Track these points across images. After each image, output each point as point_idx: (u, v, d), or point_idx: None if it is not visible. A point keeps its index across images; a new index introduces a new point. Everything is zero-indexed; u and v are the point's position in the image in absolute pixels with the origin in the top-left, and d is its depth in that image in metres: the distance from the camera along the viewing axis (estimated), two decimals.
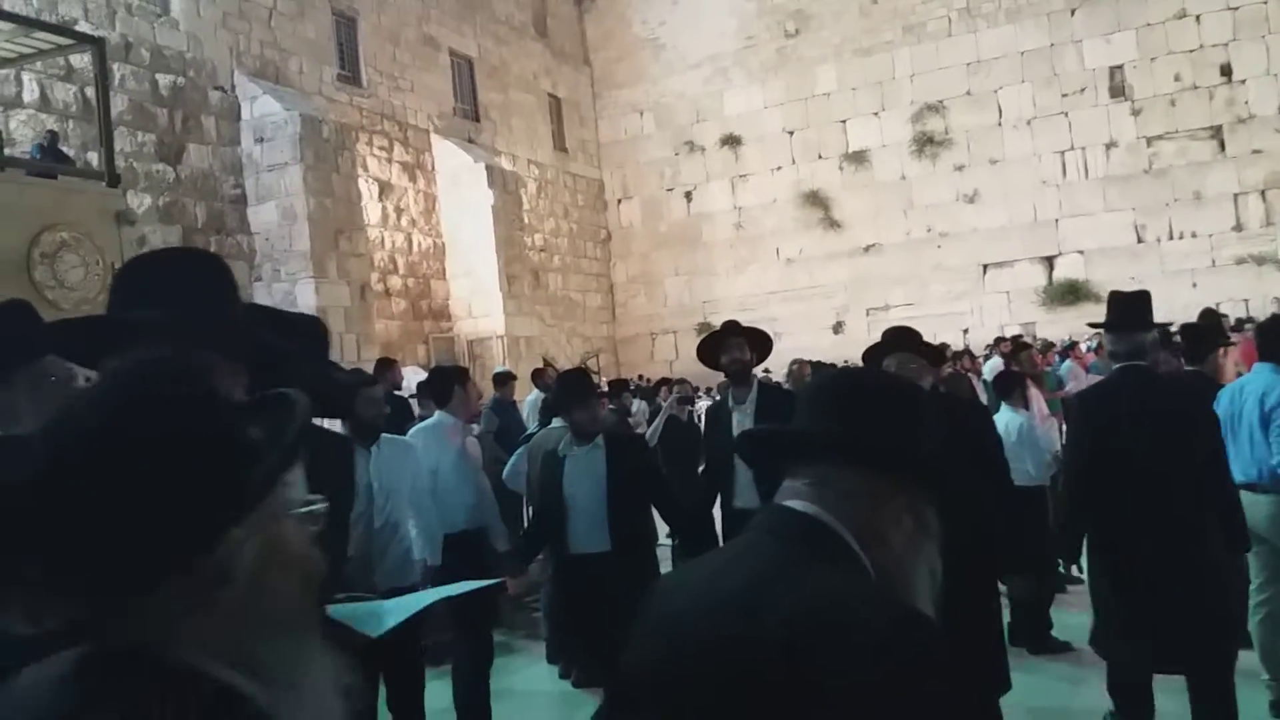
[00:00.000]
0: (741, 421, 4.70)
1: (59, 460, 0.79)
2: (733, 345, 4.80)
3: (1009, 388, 5.87)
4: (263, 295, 12.91)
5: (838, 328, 19.10)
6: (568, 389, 4.81)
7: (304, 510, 0.95)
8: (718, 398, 9.61)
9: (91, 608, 0.79)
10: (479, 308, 16.13)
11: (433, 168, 16.49)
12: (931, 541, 1.23)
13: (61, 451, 0.80)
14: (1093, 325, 4.97)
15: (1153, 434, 3.49)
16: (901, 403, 1.29)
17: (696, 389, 11.67)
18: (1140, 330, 3.82)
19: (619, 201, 21.76)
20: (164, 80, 12.26)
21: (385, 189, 15.41)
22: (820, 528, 1.17)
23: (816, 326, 19.07)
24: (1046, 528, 5.19)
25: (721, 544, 4.70)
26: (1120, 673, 3.68)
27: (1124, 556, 3.52)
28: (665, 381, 11.23)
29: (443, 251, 16.39)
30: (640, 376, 17.32)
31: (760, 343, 4.90)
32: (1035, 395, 6.43)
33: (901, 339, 3.93)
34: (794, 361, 8.58)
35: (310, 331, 3.49)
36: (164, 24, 12.40)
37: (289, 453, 0.88)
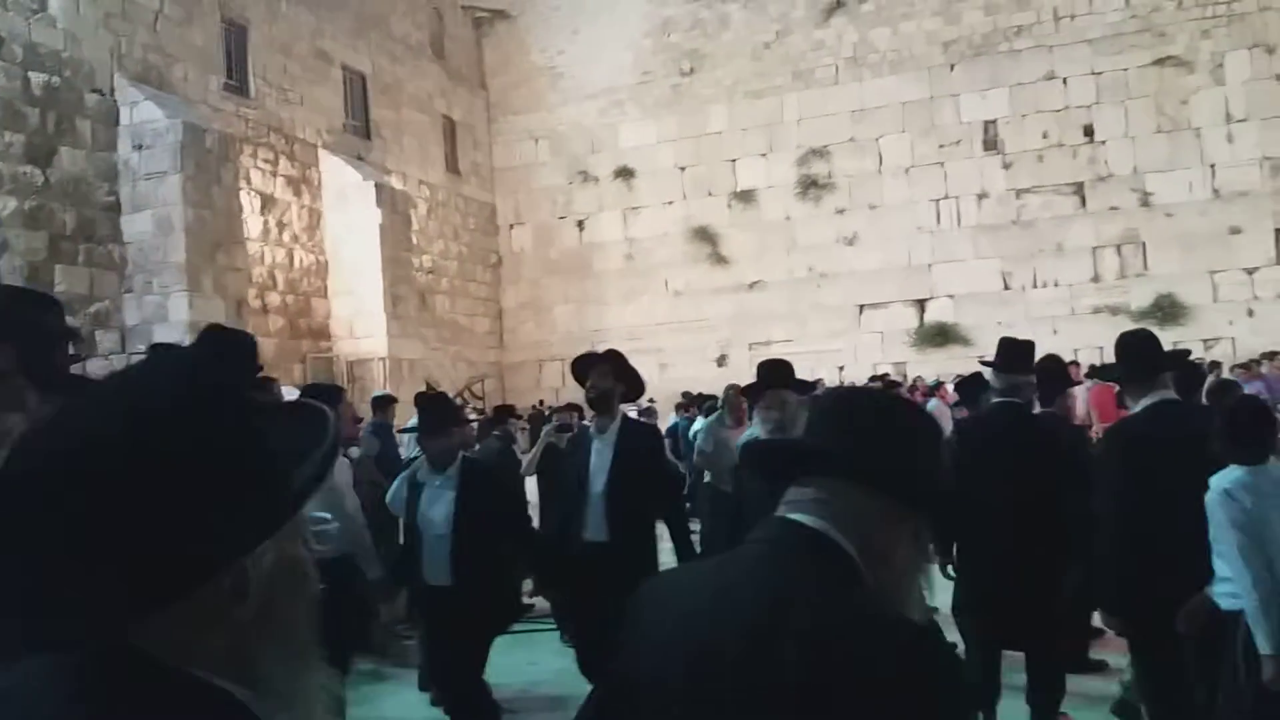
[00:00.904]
0: (601, 451, 4.67)
1: (89, 459, 0.75)
2: (597, 372, 4.75)
3: None
4: (133, 308, 12.41)
5: (721, 360, 19.45)
6: (420, 417, 4.77)
7: (315, 530, 0.88)
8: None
9: (106, 614, 0.74)
10: (361, 328, 15.83)
11: (319, 183, 16.16)
12: (925, 562, 1.28)
13: (91, 452, 0.75)
14: (983, 363, 5.31)
15: (1016, 461, 4.08)
16: (919, 428, 1.32)
17: (583, 417, 11.61)
18: (1020, 373, 4.51)
19: (511, 227, 21.74)
20: (37, 79, 11.73)
21: (268, 203, 15.04)
22: (829, 544, 1.19)
23: (701, 358, 19.38)
24: None
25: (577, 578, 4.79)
26: (971, 647, 4.26)
27: (981, 560, 4.18)
28: (571, 407, 11.06)
29: (325, 269, 16.05)
30: (541, 402, 17.28)
31: (629, 377, 4.87)
32: None
33: (777, 374, 4.19)
34: (729, 387, 8.58)
35: (242, 349, 3.44)
36: (40, 21, 11.89)
37: (322, 469, 0.85)
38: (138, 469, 0.75)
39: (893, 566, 1.22)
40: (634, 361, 5.02)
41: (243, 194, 13.96)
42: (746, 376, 4.89)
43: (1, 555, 0.75)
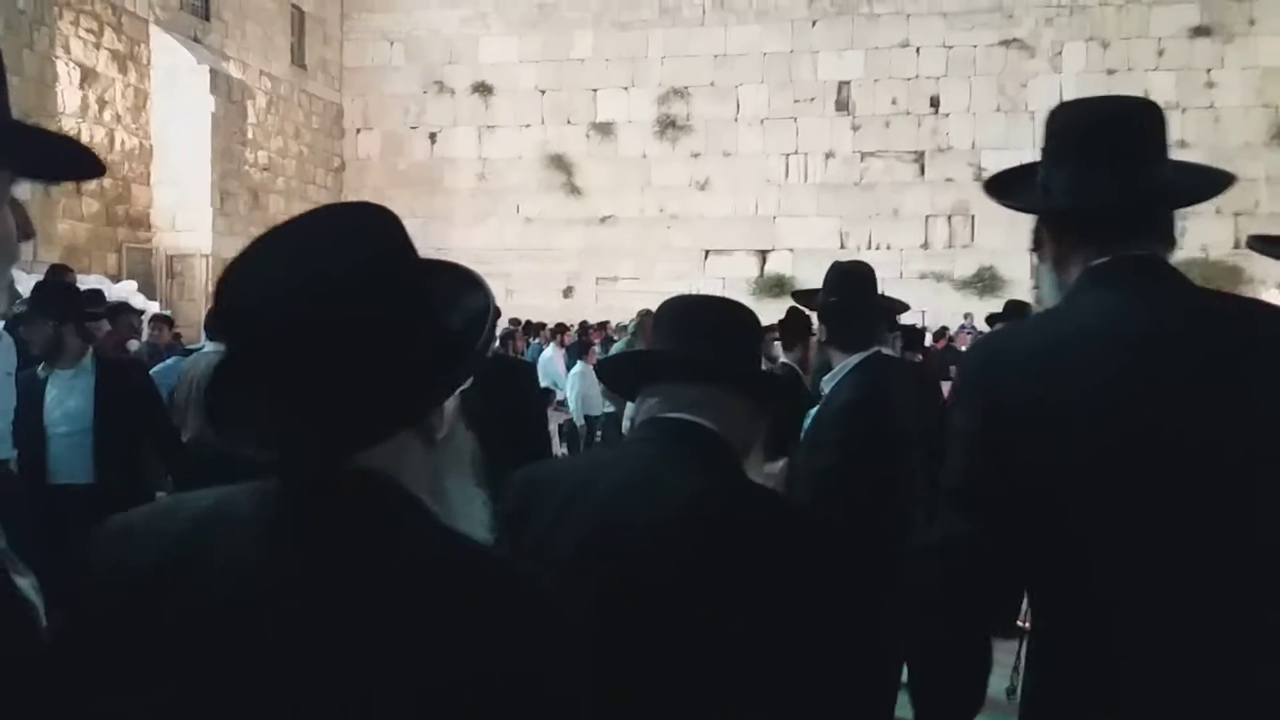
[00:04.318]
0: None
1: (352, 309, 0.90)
2: None
3: None
4: None
5: (568, 292, 19.39)
6: None
7: None
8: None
9: (352, 436, 0.91)
10: (184, 221, 14.87)
11: (148, 62, 14.96)
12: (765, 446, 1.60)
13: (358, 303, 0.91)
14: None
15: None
16: (755, 333, 1.55)
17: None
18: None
19: (358, 131, 20.81)
20: None
21: (89, 76, 13.82)
22: (714, 436, 1.41)
23: (548, 289, 19.25)
24: None
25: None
26: None
27: None
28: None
29: (149, 155, 14.96)
30: None
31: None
32: None
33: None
34: (642, 312, 8.74)
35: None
36: None
37: (492, 327, 1.03)
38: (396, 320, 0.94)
39: (751, 452, 1.48)
40: None
41: (59, 64, 12.79)
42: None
43: (263, 387, 0.92)
